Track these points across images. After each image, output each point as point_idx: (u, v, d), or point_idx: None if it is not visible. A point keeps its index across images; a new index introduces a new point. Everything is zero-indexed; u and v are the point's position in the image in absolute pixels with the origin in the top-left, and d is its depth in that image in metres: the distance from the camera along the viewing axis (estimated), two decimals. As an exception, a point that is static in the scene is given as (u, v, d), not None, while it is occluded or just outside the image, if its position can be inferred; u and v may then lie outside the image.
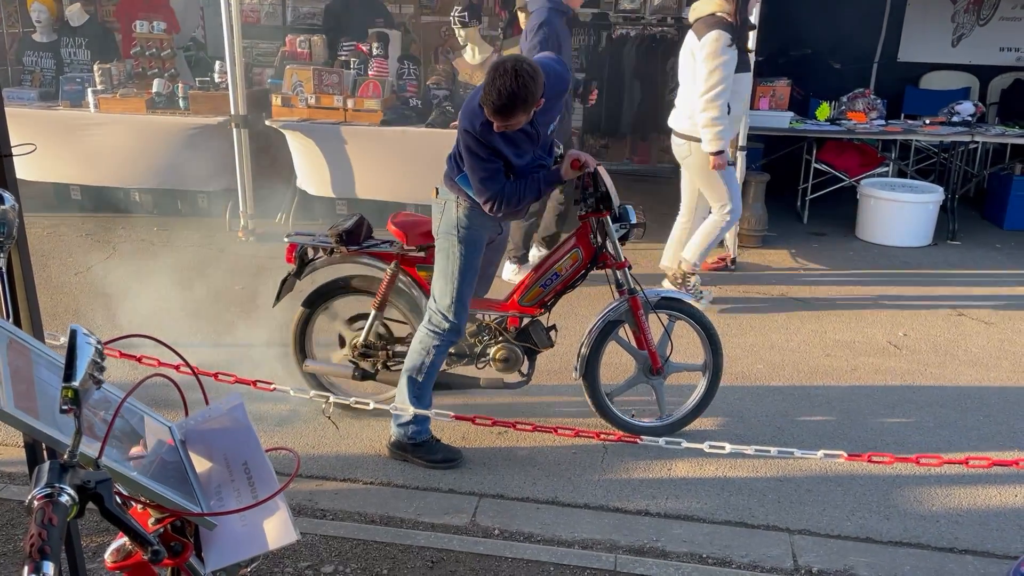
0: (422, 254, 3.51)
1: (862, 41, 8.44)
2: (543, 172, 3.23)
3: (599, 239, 3.40)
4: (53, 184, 6.64)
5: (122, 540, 1.46)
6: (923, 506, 3.25)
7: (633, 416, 3.65)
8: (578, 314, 4.59)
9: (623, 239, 3.42)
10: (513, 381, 3.63)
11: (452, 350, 3.52)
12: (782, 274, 5.83)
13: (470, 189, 3.16)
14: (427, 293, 3.43)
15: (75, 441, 1.22)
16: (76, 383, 1.18)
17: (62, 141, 6.23)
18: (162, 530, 1.47)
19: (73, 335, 1.23)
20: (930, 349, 4.67)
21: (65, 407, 1.18)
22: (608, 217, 3.36)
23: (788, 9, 6.67)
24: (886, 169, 7.07)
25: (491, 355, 3.57)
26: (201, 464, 1.62)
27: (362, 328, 3.62)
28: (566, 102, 4.31)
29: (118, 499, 1.31)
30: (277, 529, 1.53)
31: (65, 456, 1.23)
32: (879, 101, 7.05)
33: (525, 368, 3.61)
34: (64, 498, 1.18)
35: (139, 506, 1.47)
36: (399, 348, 3.62)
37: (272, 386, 2.94)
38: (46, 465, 1.21)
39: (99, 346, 1.25)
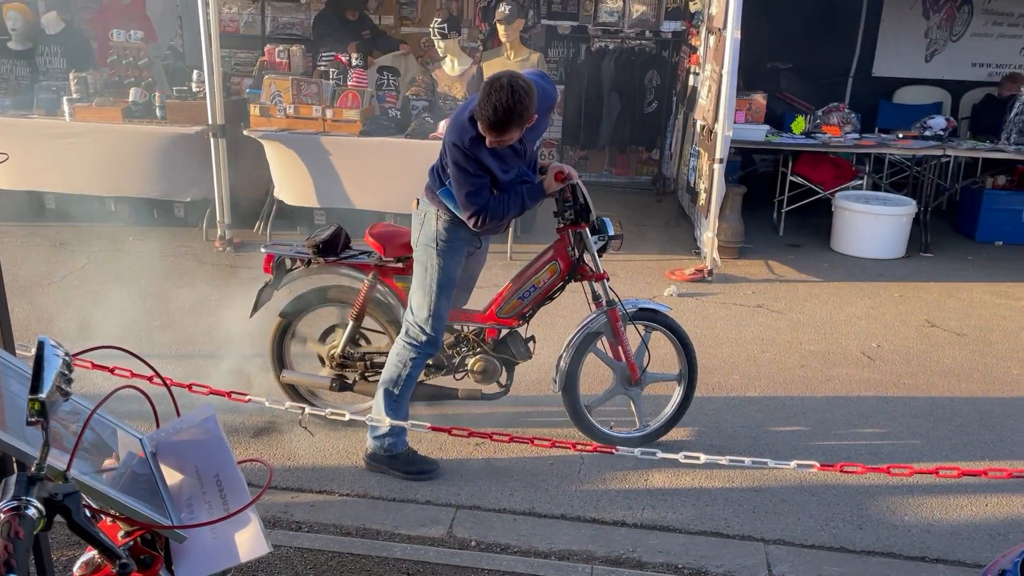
0: (400, 265, 3.50)
1: (837, 56, 8.56)
2: (526, 187, 3.24)
3: (577, 251, 3.42)
4: (27, 193, 6.57)
5: (91, 553, 1.45)
6: (895, 516, 3.28)
7: (612, 428, 3.67)
8: (556, 324, 4.61)
9: (601, 251, 3.44)
10: (491, 392, 3.63)
11: (430, 361, 3.51)
12: (758, 285, 5.88)
13: (452, 202, 3.17)
14: (405, 304, 3.43)
15: (43, 453, 1.22)
16: (43, 395, 1.17)
17: (37, 150, 6.17)
18: (132, 543, 1.46)
19: (40, 346, 1.22)
20: (903, 360, 4.72)
21: (32, 419, 1.17)
22: (586, 229, 3.38)
23: (764, 24, 6.74)
24: (860, 182, 7.17)
25: (469, 366, 3.57)
26: (172, 476, 1.61)
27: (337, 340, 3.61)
28: None
29: (87, 512, 1.29)
30: (249, 542, 1.52)
31: (32, 468, 1.22)
32: (853, 115, 7.14)
33: (503, 379, 3.61)
34: (31, 511, 1.17)
35: (108, 519, 1.46)
36: (377, 359, 3.61)
37: (247, 397, 2.92)
38: (13, 477, 1.20)
39: (67, 358, 1.25)
